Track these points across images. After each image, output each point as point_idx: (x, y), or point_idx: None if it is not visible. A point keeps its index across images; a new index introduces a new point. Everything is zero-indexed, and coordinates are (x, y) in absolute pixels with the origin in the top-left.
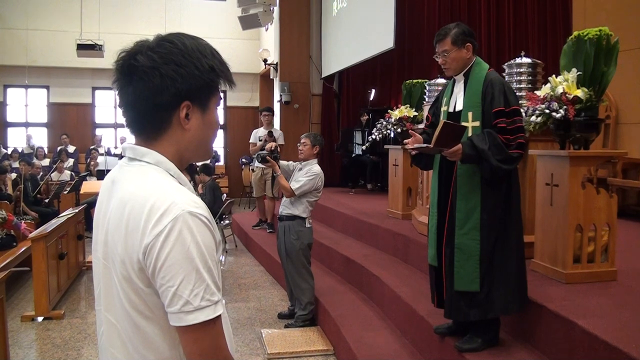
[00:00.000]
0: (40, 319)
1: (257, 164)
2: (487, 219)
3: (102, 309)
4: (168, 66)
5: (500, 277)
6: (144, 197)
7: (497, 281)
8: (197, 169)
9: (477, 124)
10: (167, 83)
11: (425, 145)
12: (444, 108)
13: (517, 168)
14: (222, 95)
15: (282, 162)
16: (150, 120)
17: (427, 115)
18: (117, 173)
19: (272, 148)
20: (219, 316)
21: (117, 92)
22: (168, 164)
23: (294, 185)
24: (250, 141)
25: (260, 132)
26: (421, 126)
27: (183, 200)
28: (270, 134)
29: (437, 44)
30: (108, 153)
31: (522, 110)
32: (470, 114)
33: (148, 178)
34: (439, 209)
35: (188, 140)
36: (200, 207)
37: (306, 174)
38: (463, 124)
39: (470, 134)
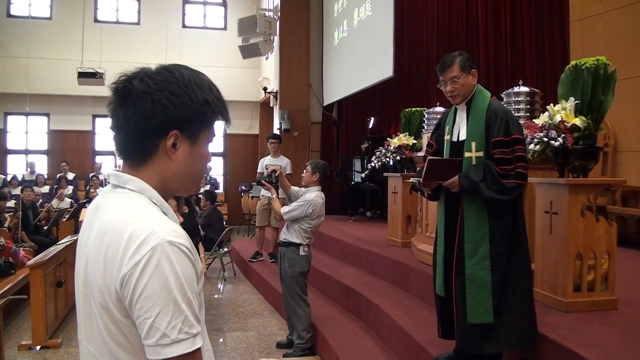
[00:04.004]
0: (37, 348)
1: (263, 192)
2: (496, 248)
3: (83, 339)
4: (161, 93)
5: (512, 307)
6: (123, 225)
7: (510, 312)
8: (199, 196)
9: (480, 154)
10: (157, 109)
11: (416, 179)
12: (446, 137)
13: (522, 198)
14: (215, 132)
15: (294, 188)
16: (137, 145)
17: (429, 142)
18: (100, 200)
19: (271, 172)
20: (198, 349)
21: (109, 115)
22: (151, 191)
23: (284, 209)
24: (258, 170)
25: (267, 160)
26: (421, 154)
27: (163, 229)
28: None
29: (444, 72)
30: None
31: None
32: (473, 144)
33: (129, 206)
34: (447, 239)
35: (173, 170)
36: (180, 236)
37: (299, 199)
38: (466, 154)
39: (474, 163)
